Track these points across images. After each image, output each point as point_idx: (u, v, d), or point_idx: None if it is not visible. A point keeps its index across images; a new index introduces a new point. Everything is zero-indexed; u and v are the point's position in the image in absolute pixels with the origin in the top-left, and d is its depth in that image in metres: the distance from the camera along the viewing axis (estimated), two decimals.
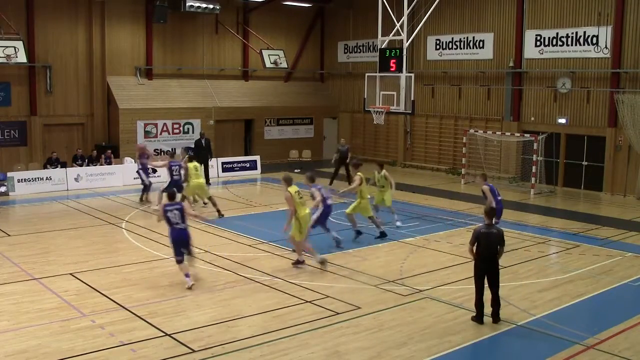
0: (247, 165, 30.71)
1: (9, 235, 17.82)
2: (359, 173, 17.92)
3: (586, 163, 26.14)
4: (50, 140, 28.56)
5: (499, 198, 16.92)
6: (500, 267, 15.06)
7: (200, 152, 27.06)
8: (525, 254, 16.37)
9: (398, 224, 19.20)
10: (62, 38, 28.73)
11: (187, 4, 29.99)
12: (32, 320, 11.32)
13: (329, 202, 16.27)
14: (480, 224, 11.71)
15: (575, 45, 26.09)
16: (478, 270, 11.49)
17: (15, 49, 26.10)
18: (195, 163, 21.01)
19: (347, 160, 26.87)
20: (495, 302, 11.49)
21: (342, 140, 28.73)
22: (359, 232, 17.86)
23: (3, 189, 24.11)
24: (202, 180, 21.53)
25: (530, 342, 10.85)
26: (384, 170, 19.25)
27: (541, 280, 14.21)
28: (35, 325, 11.07)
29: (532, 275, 14.57)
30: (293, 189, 14.71)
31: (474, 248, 11.45)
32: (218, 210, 20.53)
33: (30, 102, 27.96)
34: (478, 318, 11.42)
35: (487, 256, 11.40)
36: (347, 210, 17.90)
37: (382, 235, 17.84)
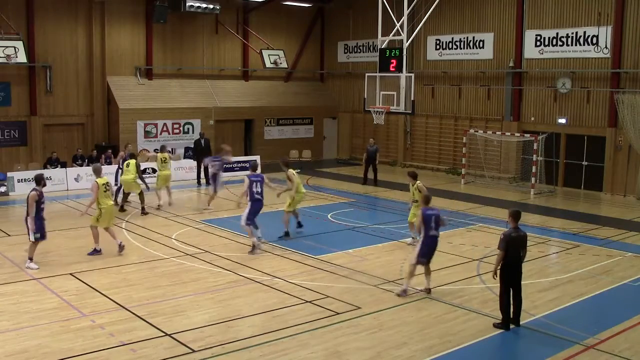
0: (247, 165, 30.63)
1: (9, 235, 17.82)
2: (290, 169, 17.90)
3: (586, 163, 26.14)
4: (50, 140, 28.56)
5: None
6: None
7: (200, 152, 27.07)
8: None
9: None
10: (62, 38, 28.73)
11: (187, 4, 29.97)
12: (32, 320, 11.32)
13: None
14: (508, 229, 11.50)
15: (575, 45, 26.09)
16: (506, 276, 11.30)
17: (15, 49, 26.12)
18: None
19: (377, 161, 27.49)
20: (519, 306, 11.40)
21: (371, 140, 28.51)
22: (287, 233, 17.84)
23: (3, 189, 24.12)
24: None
25: (531, 342, 10.86)
26: (418, 182, 16.76)
27: (541, 280, 14.22)
28: (35, 325, 11.07)
29: (532, 275, 14.56)
30: (101, 180, 15.91)
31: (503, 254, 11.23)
32: (121, 204, 21.35)
33: (30, 102, 27.96)
34: (504, 325, 11.26)
35: (513, 261, 11.34)
36: (285, 209, 17.78)
37: (286, 235, 17.82)
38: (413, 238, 17.25)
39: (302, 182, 19.29)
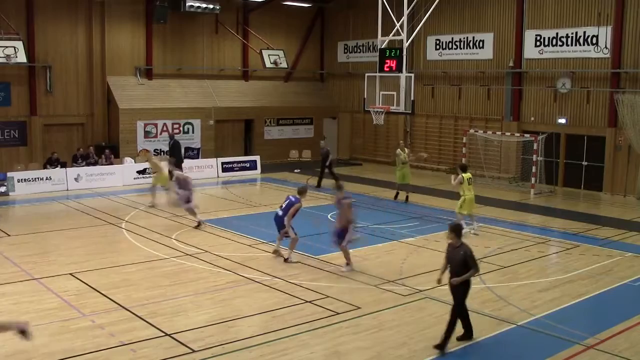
0: (247, 165, 30.71)
1: (9, 235, 17.81)
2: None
3: (586, 163, 26.14)
4: (50, 140, 28.55)
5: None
6: (499, 268, 15.16)
7: (170, 155, 26.57)
8: (525, 254, 16.38)
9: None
10: (62, 38, 28.74)
11: (187, 4, 30.01)
12: (32, 320, 11.26)
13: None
14: (466, 245, 10.46)
15: (575, 45, 26.10)
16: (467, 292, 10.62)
17: (15, 49, 26.13)
18: None
19: (328, 163, 26.70)
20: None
21: (322, 142, 27.98)
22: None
23: (3, 189, 24.12)
24: None
25: (530, 342, 10.85)
26: (468, 174, 18.47)
27: (541, 280, 14.21)
28: (35, 325, 11.04)
29: (532, 275, 14.57)
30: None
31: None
32: None
33: (30, 102, 27.97)
34: (469, 334, 10.74)
35: None
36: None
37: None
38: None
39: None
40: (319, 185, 26.20)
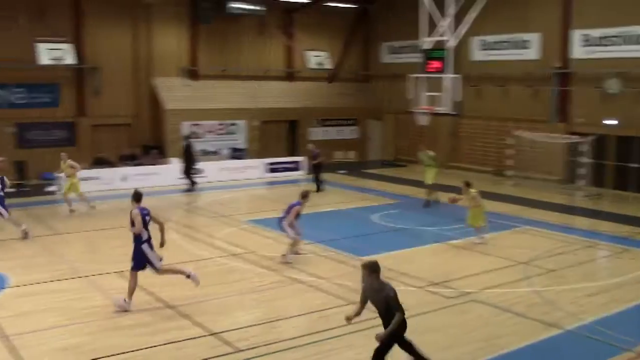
0: (292, 166, 30.76)
1: (58, 234, 18.13)
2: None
3: (637, 165, 25.52)
4: (97, 140, 29.01)
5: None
6: (547, 271, 14.90)
7: (185, 157, 26.35)
8: (573, 257, 16.09)
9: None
10: (109, 41, 29.22)
11: (232, 6, 30.19)
12: (80, 317, 11.52)
13: None
14: (390, 285, 8.98)
15: (624, 44, 25.56)
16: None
17: (64, 52, 26.67)
18: None
19: (320, 168, 26.26)
20: None
21: (311, 145, 27.50)
22: None
23: (53, 188, 24.59)
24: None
25: (578, 348, 10.65)
26: (472, 190, 17.69)
27: (589, 285, 13.92)
28: (83, 322, 11.27)
29: (581, 279, 14.28)
30: None
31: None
32: None
33: (78, 103, 28.50)
34: None
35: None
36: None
37: None
38: (479, 237, 17.53)
39: None
40: (318, 189, 25.78)
